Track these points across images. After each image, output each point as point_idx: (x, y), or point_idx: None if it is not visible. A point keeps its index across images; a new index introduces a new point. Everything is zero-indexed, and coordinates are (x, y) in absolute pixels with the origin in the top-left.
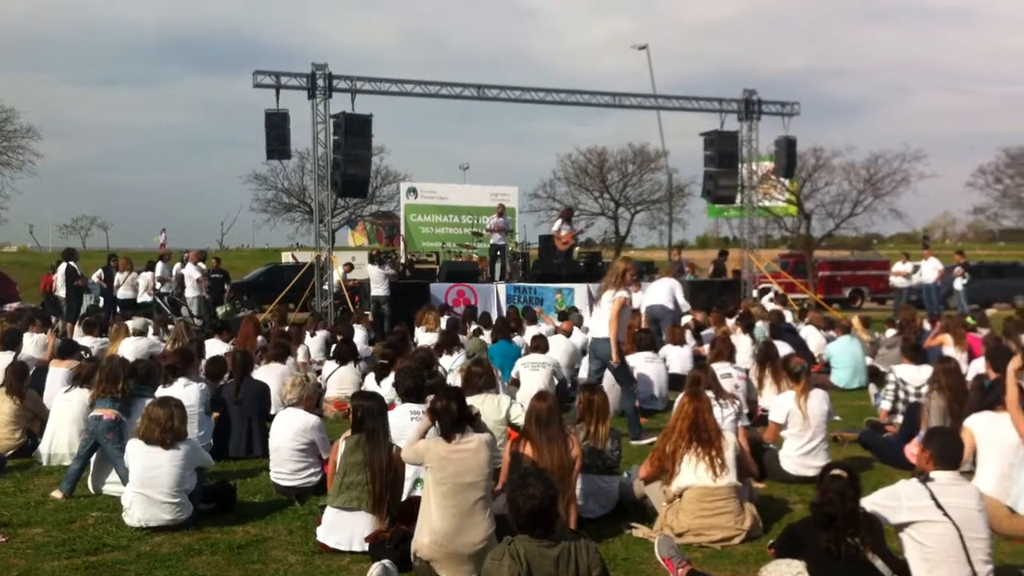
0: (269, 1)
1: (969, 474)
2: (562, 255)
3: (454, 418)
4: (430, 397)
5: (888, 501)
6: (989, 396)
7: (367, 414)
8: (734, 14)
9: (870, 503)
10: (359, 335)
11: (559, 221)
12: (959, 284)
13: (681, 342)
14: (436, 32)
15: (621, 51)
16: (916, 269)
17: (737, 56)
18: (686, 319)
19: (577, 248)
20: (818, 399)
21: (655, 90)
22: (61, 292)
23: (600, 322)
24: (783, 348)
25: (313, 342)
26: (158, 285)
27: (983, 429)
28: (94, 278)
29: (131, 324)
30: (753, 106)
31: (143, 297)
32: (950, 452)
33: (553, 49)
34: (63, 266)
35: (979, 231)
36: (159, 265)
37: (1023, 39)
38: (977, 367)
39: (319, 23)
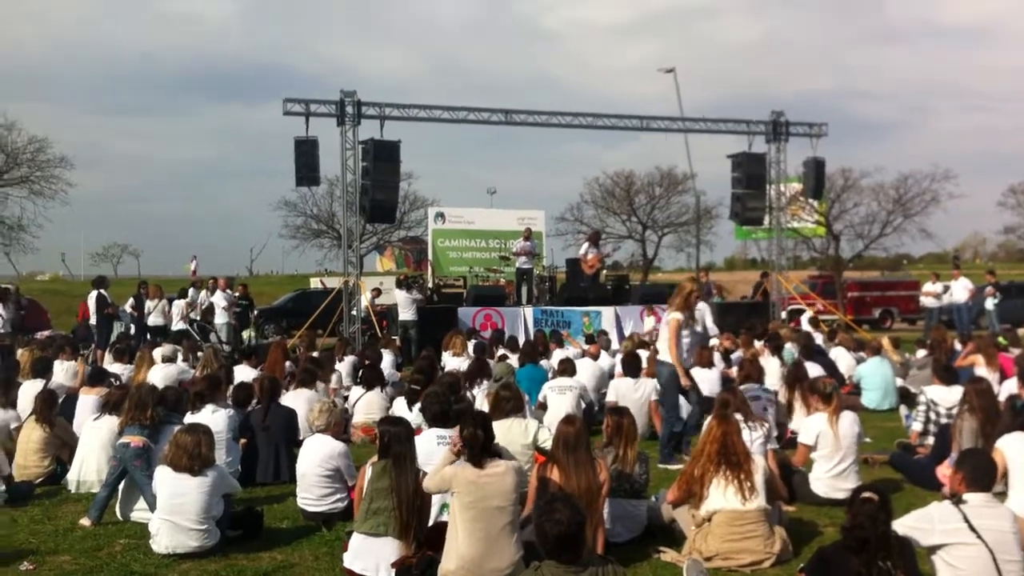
0: (294, 31)
1: (1001, 495)
2: (589, 278)
3: (481, 445)
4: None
5: (921, 524)
6: (1021, 416)
7: (394, 439)
8: (759, 37)
9: (902, 526)
10: (386, 360)
11: (586, 244)
12: (990, 304)
13: (709, 364)
14: (462, 59)
15: (647, 75)
16: (946, 289)
17: (764, 78)
18: (714, 342)
19: (604, 271)
20: (849, 420)
21: (682, 113)
22: (93, 320)
23: (662, 345)
24: (813, 370)
25: (341, 367)
26: (189, 312)
27: (1015, 450)
28: (127, 307)
29: (160, 351)
30: (781, 127)
31: (177, 325)
32: (983, 474)
33: (579, 73)
34: (93, 294)
35: (1010, 250)
36: (190, 291)
37: None
38: (1009, 387)
39: (344, 53)
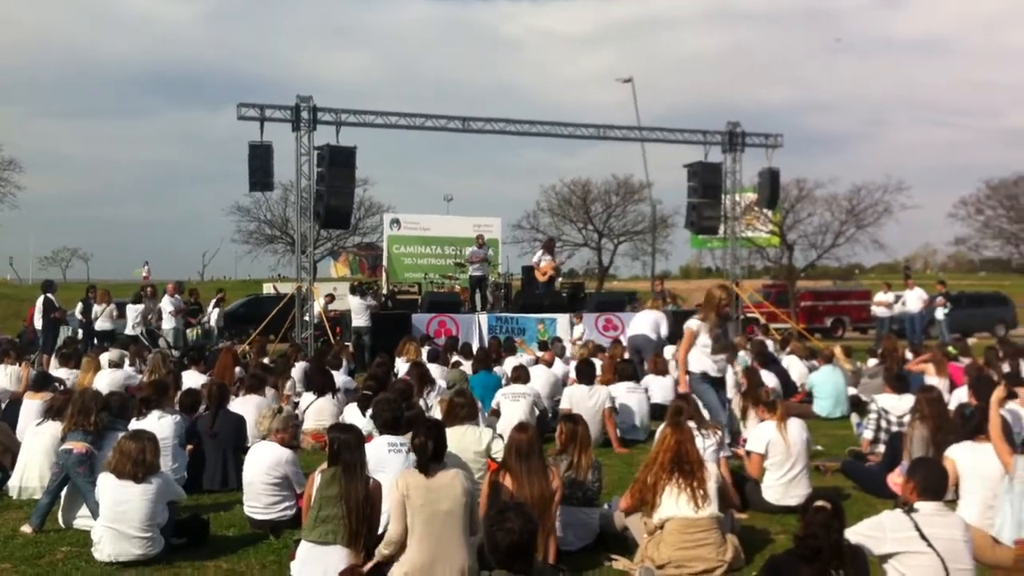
0: (251, 36)
1: (952, 503)
2: (544, 286)
3: (431, 454)
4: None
5: (873, 532)
6: (969, 423)
7: (343, 446)
8: (717, 48)
9: (854, 534)
10: (341, 366)
11: (540, 252)
12: (940, 314)
13: (664, 372)
14: (420, 65)
15: (607, 83)
16: (898, 299)
17: (721, 89)
18: (670, 349)
19: (560, 279)
20: (797, 427)
21: (639, 122)
22: (39, 324)
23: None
24: (766, 378)
25: (292, 373)
26: (147, 318)
27: (965, 459)
28: (76, 311)
29: (107, 356)
30: (737, 138)
31: (134, 330)
32: (934, 483)
33: (538, 82)
34: (40, 298)
35: (960, 261)
36: (167, 299)
37: (988, 72)
38: (959, 396)
39: (302, 57)
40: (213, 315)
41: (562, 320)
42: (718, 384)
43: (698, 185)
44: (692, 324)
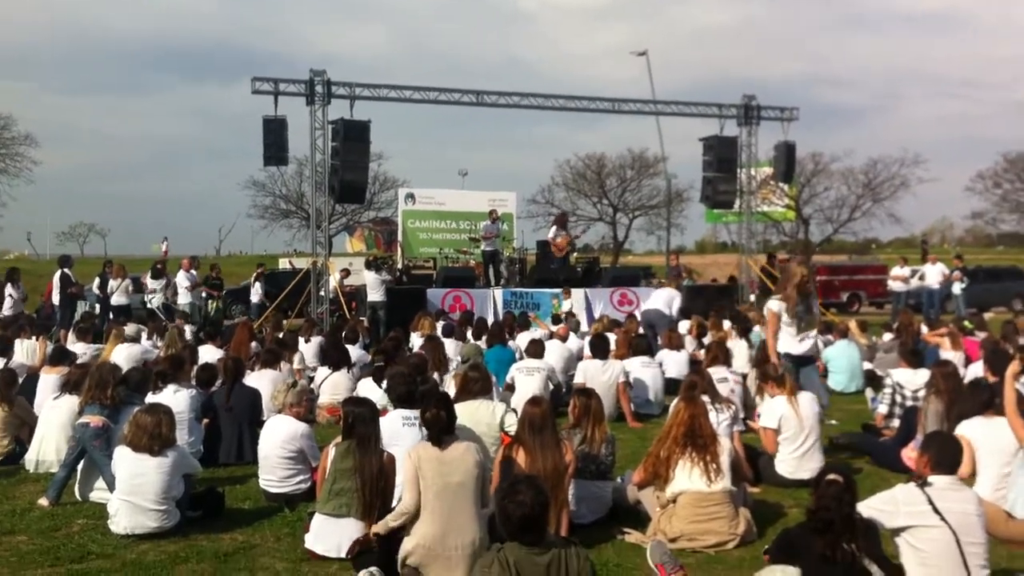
0: (264, 10)
1: (970, 479)
2: (559, 261)
3: (443, 426)
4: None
5: (885, 506)
6: (981, 396)
7: (358, 420)
8: (732, 21)
9: (867, 508)
10: (357, 341)
11: (554, 227)
12: (957, 288)
13: (679, 347)
14: (433, 39)
15: (620, 58)
16: (915, 273)
17: (736, 63)
18: (685, 324)
19: (575, 254)
20: (808, 400)
21: (654, 96)
22: (56, 299)
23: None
24: None
25: (307, 348)
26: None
27: (978, 434)
28: (92, 286)
29: (125, 330)
30: (752, 111)
31: (151, 304)
32: (948, 457)
33: (552, 56)
34: (57, 273)
35: (978, 235)
36: (182, 273)
37: (1004, 46)
38: (975, 371)
39: (316, 32)
40: (256, 288)
41: (577, 295)
42: (807, 363)
43: (713, 159)
44: (773, 305)
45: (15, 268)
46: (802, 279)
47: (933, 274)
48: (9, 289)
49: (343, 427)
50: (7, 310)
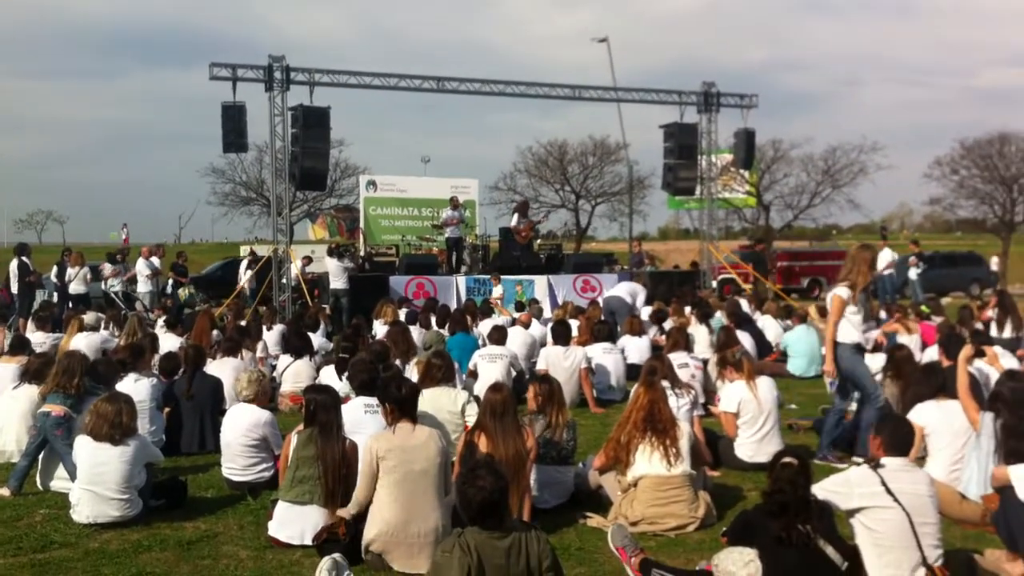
0: None
1: (920, 461)
2: (522, 247)
3: (409, 402)
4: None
5: (839, 488)
6: (935, 380)
7: (320, 407)
8: (694, 7)
9: (821, 490)
10: (318, 329)
11: (516, 215)
12: (914, 274)
13: (640, 333)
14: (395, 24)
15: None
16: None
17: (696, 49)
18: (647, 310)
19: (539, 241)
20: (767, 384)
21: (615, 82)
22: (14, 288)
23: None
24: (741, 338)
25: (270, 336)
26: (116, 280)
27: (932, 417)
28: (52, 276)
29: (84, 319)
30: (712, 98)
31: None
32: (901, 439)
33: (515, 41)
34: (15, 261)
35: (936, 221)
36: (142, 261)
37: (963, 32)
38: (931, 355)
39: (275, 16)
40: (245, 277)
41: (540, 282)
42: (861, 351)
43: (674, 146)
44: (842, 292)
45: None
46: (871, 265)
47: (880, 261)
48: None
49: (305, 414)
50: None
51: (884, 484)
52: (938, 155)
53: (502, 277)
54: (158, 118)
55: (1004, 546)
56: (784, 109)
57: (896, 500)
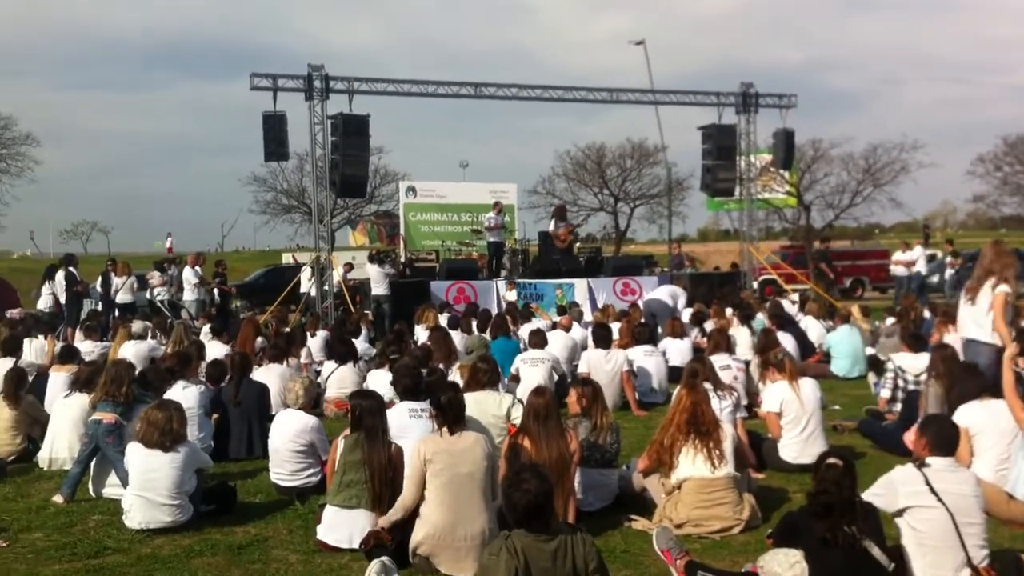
0: (263, 5)
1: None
2: (562, 251)
3: (459, 411)
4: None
5: (885, 490)
6: (978, 379)
7: (365, 412)
8: (730, 8)
9: (871, 495)
10: (360, 334)
11: (553, 220)
12: (948, 273)
13: (681, 335)
14: (433, 32)
15: (620, 47)
16: (933, 259)
17: (734, 50)
18: (687, 312)
19: (578, 244)
20: (810, 385)
21: (653, 85)
22: (62, 298)
23: (974, 321)
24: (783, 339)
25: (313, 342)
26: (165, 288)
27: (977, 417)
28: (98, 286)
29: (132, 328)
30: (751, 99)
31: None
32: (946, 439)
33: (552, 46)
34: (61, 272)
35: (980, 219)
36: (188, 269)
37: (1003, 27)
38: None
39: (314, 26)
40: (309, 284)
41: (580, 285)
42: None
43: (713, 147)
44: (1006, 289)
45: (57, 264)
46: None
47: (908, 259)
48: (48, 286)
49: (351, 420)
50: (44, 307)
51: (928, 483)
52: (981, 152)
53: (543, 281)
54: (200, 129)
55: None
56: (824, 109)
57: (940, 500)
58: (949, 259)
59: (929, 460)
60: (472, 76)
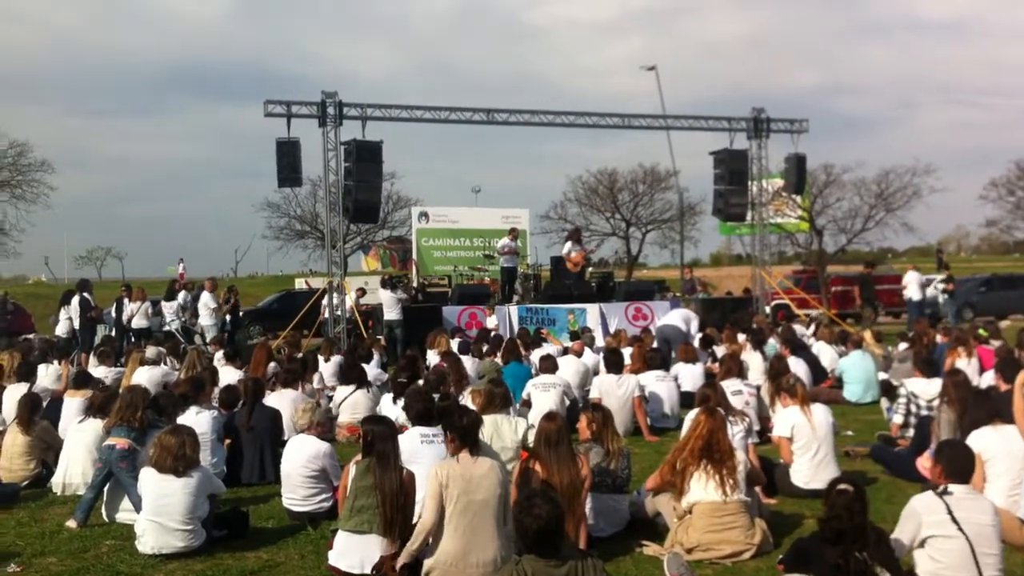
0: (277, 31)
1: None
2: (574, 276)
3: (470, 435)
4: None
5: (908, 522)
6: (989, 405)
7: (377, 437)
8: (742, 33)
9: (897, 535)
10: (373, 360)
11: (568, 243)
12: (942, 297)
13: (694, 360)
14: (445, 57)
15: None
16: (929, 282)
17: (746, 75)
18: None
19: (590, 268)
20: (822, 410)
21: (664, 110)
22: (76, 323)
23: None
24: (795, 365)
25: (327, 367)
26: (181, 315)
27: (990, 442)
28: (111, 310)
29: (145, 353)
30: (762, 124)
31: (168, 326)
32: (960, 465)
33: (564, 71)
34: (76, 297)
35: (993, 243)
36: (205, 295)
37: (1010, 50)
38: (989, 379)
39: (328, 52)
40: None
41: (592, 310)
42: None
43: (724, 172)
44: None
45: (74, 289)
46: None
47: (909, 284)
48: (65, 311)
49: (363, 445)
50: (61, 332)
51: (950, 512)
52: (994, 176)
53: (555, 306)
54: (214, 154)
55: None
56: (838, 133)
57: (960, 529)
58: (942, 284)
59: (951, 487)
60: (485, 102)
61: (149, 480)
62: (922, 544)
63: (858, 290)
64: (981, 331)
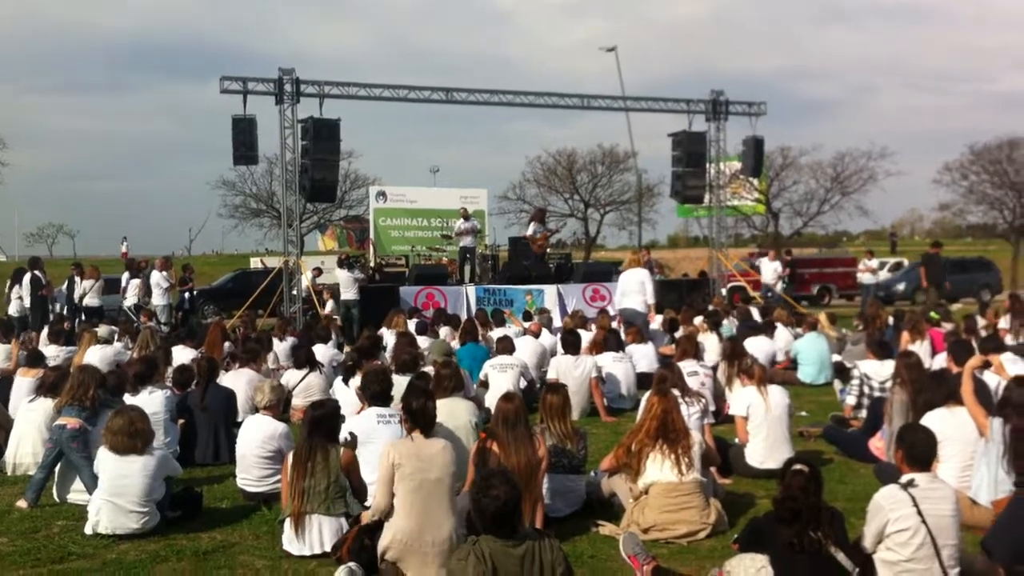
0: (235, 7)
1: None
2: (534, 257)
3: (430, 418)
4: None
5: (876, 518)
6: (944, 386)
7: (317, 421)
8: (702, 15)
9: (866, 533)
10: (330, 340)
11: (532, 224)
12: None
13: (644, 340)
14: (408, 36)
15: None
16: (883, 266)
17: (706, 58)
18: (658, 319)
19: (548, 250)
20: (778, 391)
21: (624, 91)
22: (27, 301)
23: None
24: (751, 345)
25: (281, 348)
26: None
27: (943, 424)
28: (63, 288)
29: (97, 332)
30: (720, 106)
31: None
32: (922, 451)
33: (527, 52)
34: (27, 275)
35: (946, 227)
36: (156, 274)
37: (979, 36)
38: (940, 361)
39: (288, 29)
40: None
41: (550, 291)
42: None
43: (682, 154)
44: None
45: (25, 267)
46: None
47: (768, 271)
48: (16, 290)
49: (303, 429)
50: (12, 311)
51: (916, 505)
52: (947, 161)
53: (513, 287)
54: (171, 131)
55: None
56: (798, 116)
57: (924, 522)
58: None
59: (915, 478)
60: (448, 81)
61: (107, 461)
62: (881, 539)
63: (923, 271)
64: (932, 314)
